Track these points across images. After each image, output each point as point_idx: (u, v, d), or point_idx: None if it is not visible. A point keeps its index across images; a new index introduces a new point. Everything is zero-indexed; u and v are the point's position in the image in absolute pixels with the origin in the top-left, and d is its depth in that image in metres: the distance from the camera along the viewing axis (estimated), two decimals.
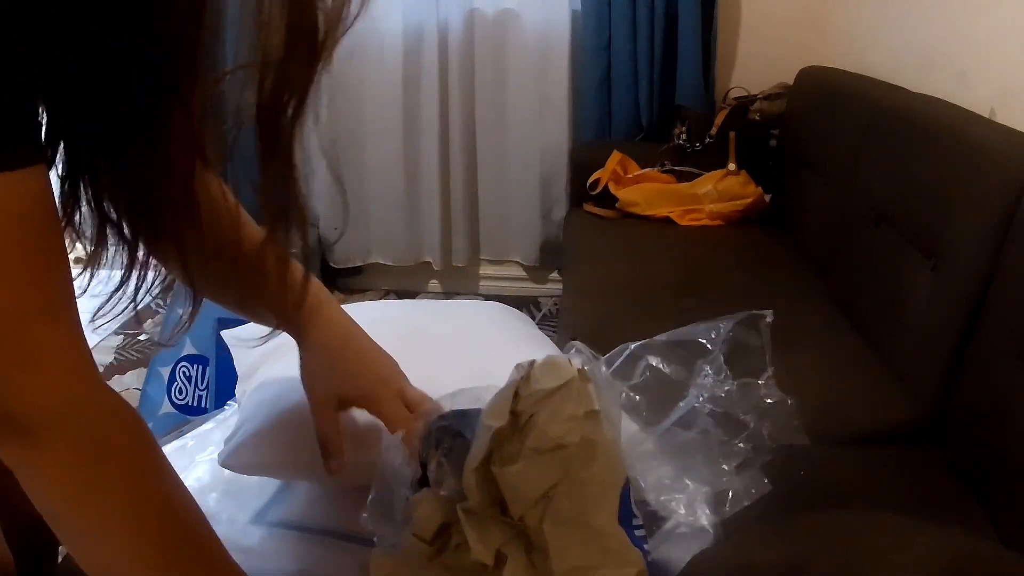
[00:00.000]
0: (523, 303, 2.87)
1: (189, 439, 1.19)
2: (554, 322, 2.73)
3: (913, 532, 0.76)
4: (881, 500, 1.18)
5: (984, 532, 1.14)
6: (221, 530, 0.97)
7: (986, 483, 1.21)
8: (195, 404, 1.57)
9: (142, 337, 2.65)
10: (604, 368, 0.89)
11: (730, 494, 0.86)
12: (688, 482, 0.87)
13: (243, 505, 1.01)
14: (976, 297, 1.29)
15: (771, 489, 0.85)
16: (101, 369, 2.42)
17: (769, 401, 0.88)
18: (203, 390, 1.56)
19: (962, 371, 1.31)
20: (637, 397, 0.92)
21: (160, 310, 2.87)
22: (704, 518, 0.85)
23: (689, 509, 0.85)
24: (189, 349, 1.59)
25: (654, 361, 0.93)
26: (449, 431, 0.85)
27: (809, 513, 0.89)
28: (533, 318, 2.49)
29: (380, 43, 2.74)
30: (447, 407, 0.88)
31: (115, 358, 2.51)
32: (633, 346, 0.95)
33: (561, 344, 1.58)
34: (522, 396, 0.79)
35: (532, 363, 0.83)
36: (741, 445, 0.87)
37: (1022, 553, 0.75)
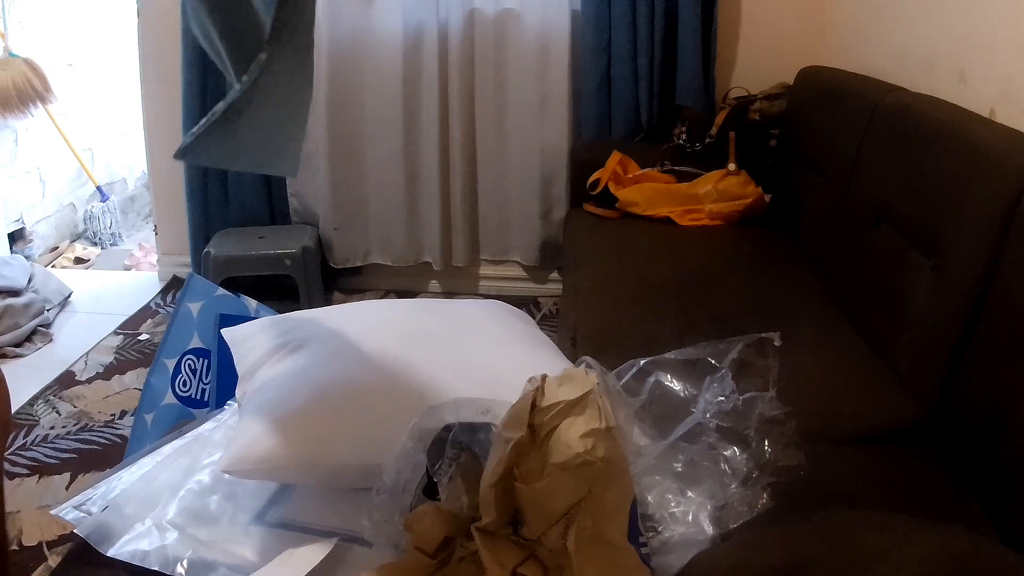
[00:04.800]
0: (523, 303, 2.87)
1: (191, 439, 1.19)
2: (554, 322, 2.73)
3: (913, 532, 0.76)
4: (881, 500, 1.18)
5: (984, 532, 1.14)
6: (221, 531, 0.98)
7: (986, 483, 1.21)
8: (198, 397, 1.57)
9: (142, 337, 2.65)
10: (616, 382, 0.89)
11: (732, 508, 0.86)
12: (692, 495, 0.87)
13: (243, 506, 1.02)
14: (976, 297, 1.29)
15: (772, 505, 0.85)
16: (101, 369, 2.42)
17: (771, 414, 0.89)
18: (207, 384, 1.57)
19: (962, 371, 1.31)
20: (645, 411, 0.92)
21: (160, 310, 2.87)
22: (706, 530, 0.85)
23: (692, 521, 0.85)
24: (196, 342, 1.59)
25: (662, 377, 0.93)
26: (457, 443, 0.84)
27: (809, 513, 0.89)
28: (533, 318, 2.49)
29: (380, 43, 2.74)
30: (450, 416, 0.87)
31: (115, 358, 2.51)
32: (642, 362, 0.95)
33: (561, 344, 1.58)
34: (539, 408, 0.78)
35: (544, 376, 0.82)
36: (744, 460, 0.87)
37: (1022, 553, 0.75)
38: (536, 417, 0.77)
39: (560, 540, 0.75)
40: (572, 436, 0.75)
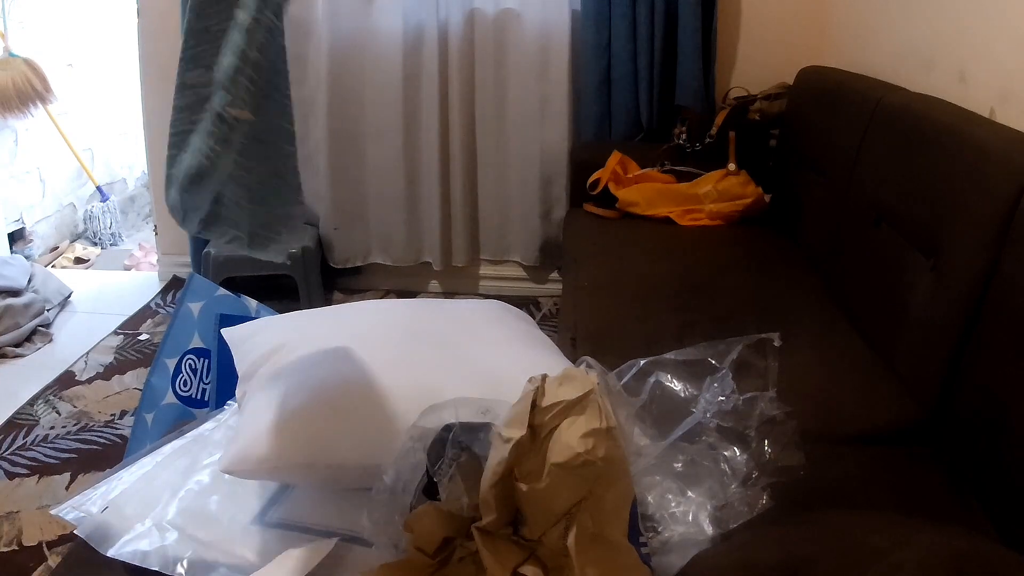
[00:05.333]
0: (523, 303, 2.87)
1: (191, 439, 1.19)
2: (554, 322, 2.73)
3: (913, 532, 0.76)
4: (881, 500, 1.18)
5: (984, 532, 1.14)
6: (221, 531, 0.98)
7: (986, 483, 1.21)
8: (199, 397, 1.57)
9: (142, 337, 2.65)
10: (616, 382, 0.89)
11: (732, 508, 0.86)
12: (692, 495, 0.87)
13: (243, 506, 1.02)
14: (976, 297, 1.29)
15: (772, 505, 0.85)
16: (101, 369, 2.42)
17: (772, 414, 0.89)
18: (208, 383, 1.57)
19: (962, 371, 1.31)
20: (645, 411, 0.92)
21: (160, 310, 2.87)
22: (706, 530, 0.85)
23: (692, 521, 0.85)
24: (196, 342, 1.59)
25: (663, 377, 0.93)
26: (457, 443, 0.84)
27: (809, 513, 0.89)
28: (533, 318, 2.49)
29: (380, 43, 2.74)
30: (450, 415, 0.87)
31: (115, 358, 2.51)
32: (642, 362, 0.95)
33: (561, 344, 1.58)
34: (540, 408, 0.78)
35: (544, 376, 0.82)
36: (744, 460, 0.87)
37: (1022, 553, 0.75)
38: (536, 417, 0.77)
39: (561, 540, 0.75)
40: (572, 436, 0.75)
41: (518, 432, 0.76)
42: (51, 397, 2.28)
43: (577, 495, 0.74)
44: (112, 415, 2.19)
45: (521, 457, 0.76)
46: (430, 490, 0.86)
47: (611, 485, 0.75)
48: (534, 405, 0.78)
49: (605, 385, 0.83)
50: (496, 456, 0.77)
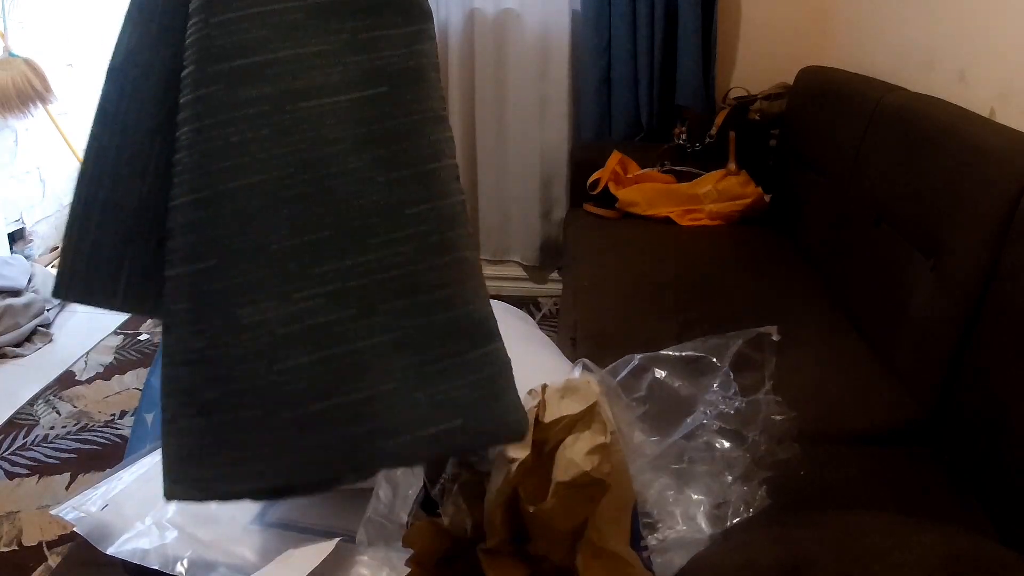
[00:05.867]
0: (523, 303, 2.87)
1: None
2: (554, 322, 2.73)
3: (913, 532, 0.76)
4: (881, 500, 1.18)
5: (984, 532, 1.14)
6: (221, 530, 0.98)
7: (986, 483, 1.21)
8: None
9: (142, 337, 2.65)
10: (613, 380, 0.88)
11: (730, 505, 0.86)
12: (690, 492, 0.87)
13: (243, 506, 1.01)
14: (976, 297, 1.29)
15: (770, 502, 0.85)
16: (101, 369, 2.42)
17: (774, 418, 0.88)
18: None
19: (962, 371, 1.31)
20: (643, 410, 0.92)
21: None
22: (704, 528, 0.84)
23: (691, 519, 0.85)
24: None
25: (660, 374, 0.92)
26: (457, 461, 0.83)
27: (809, 513, 0.89)
28: (533, 318, 2.48)
29: None
30: None
31: (115, 358, 2.51)
32: (638, 358, 0.94)
33: (561, 344, 1.58)
34: (543, 423, 0.76)
35: (545, 387, 0.81)
36: (740, 455, 0.87)
37: (1022, 553, 0.75)
38: (540, 433, 0.76)
39: (568, 556, 0.73)
40: (578, 453, 0.73)
41: (522, 452, 0.74)
42: (51, 397, 2.28)
43: (584, 512, 0.73)
44: (112, 415, 2.19)
45: (525, 476, 0.75)
46: (428, 504, 0.85)
47: (616, 496, 0.75)
48: (537, 421, 0.76)
49: (607, 390, 0.83)
50: (500, 477, 0.76)
